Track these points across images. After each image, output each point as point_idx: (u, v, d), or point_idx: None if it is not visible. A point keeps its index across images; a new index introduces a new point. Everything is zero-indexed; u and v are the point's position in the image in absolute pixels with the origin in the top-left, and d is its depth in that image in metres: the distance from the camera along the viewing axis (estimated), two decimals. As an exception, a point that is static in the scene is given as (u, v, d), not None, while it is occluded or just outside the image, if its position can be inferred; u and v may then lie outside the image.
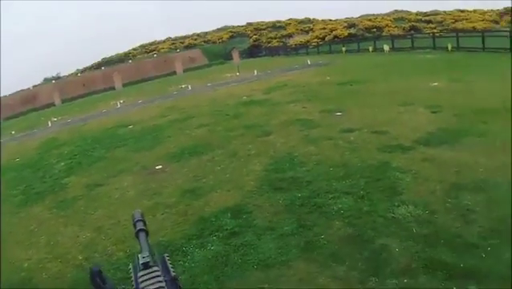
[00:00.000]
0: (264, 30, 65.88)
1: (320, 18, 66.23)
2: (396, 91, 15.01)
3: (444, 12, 58.53)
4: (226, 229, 6.36)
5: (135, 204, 8.08)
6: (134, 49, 70.37)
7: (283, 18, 68.55)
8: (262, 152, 10.12)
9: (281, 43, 60.76)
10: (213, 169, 9.56)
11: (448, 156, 7.87)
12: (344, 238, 5.53)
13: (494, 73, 16.00)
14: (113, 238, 6.95)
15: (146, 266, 1.00)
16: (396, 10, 64.49)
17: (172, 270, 1.03)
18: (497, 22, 50.98)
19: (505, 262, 4.39)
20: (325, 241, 5.53)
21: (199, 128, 14.25)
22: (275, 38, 62.77)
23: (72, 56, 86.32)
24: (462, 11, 57.86)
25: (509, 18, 48.23)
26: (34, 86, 56.04)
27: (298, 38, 60.34)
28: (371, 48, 35.99)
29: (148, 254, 1.03)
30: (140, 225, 1.21)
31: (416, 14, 60.58)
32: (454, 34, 30.19)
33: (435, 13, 58.95)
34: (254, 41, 63.05)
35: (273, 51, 55.63)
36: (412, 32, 45.74)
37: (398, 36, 41.97)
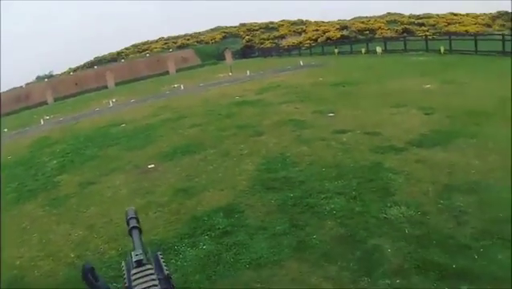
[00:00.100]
0: (257, 31, 65.73)
1: (313, 20, 66.25)
2: (388, 92, 15.06)
3: (437, 15, 58.69)
4: (218, 229, 6.35)
5: (127, 202, 8.02)
6: (126, 48, 69.93)
7: (276, 19, 68.43)
8: (255, 152, 10.11)
9: (273, 44, 60.64)
10: (205, 169, 9.53)
11: (440, 158, 7.90)
12: (336, 238, 5.54)
13: (487, 76, 16.11)
14: (105, 236, 6.92)
15: (139, 263, 0.98)
16: (388, 13, 64.59)
17: (165, 268, 1.01)
18: (489, 26, 51.27)
19: (498, 263, 4.41)
20: (317, 241, 5.54)
21: (191, 128, 14.21)
22: (268, 39, 62.66)
23: (72, 56, 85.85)
24: (455, 14, 58.09)
25: (502, 21, 48.63)
26: (27, 84, 55.71)
27: (291, 40, 60.28)
28: (363, 50, 36.04)
29: (141, 252, 1.01)
30: (133, 223, 1.18)
31: (409, 16, 60.69)
32: (447, 37, 30.38)
33: (428, 16, 59.10)
34: (247, 42, 62.89)
35: (265, 52, 55.56)
36: (404, 34, 45.82)
37: (391, 38, 42.09)
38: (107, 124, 18.56)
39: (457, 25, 52.26)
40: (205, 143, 11.76)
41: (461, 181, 6.72)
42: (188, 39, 67.59)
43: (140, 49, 67.99)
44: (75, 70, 64.18)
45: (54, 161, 13.39)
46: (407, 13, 62.98)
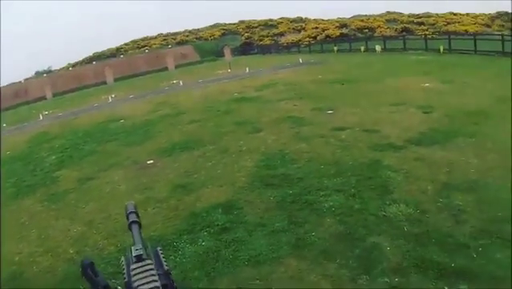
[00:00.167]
0: (256, 28, 65.59)
1: (312, 18, 66.14)
2: (387, 90, 15.07)
3: (437, 14, 58.65)
4: (217, 225, 6.35)
5: (126, 198, 7.98)
6: (125, 44, 69.76)
7: (275, 16, 68.36)
8: (254, 149, 10.11)
9: (273, 41, 60.58)
10: (204, 165, 9.53)
11: (439, 156, 7.91)
12: (335, 235, 5.54)
13: (486, 75, 16.10)
14: (104, 232, 6.91)
15: (139, 258, 0.97)
16: (388, 12, 64.51)
17: (165, 263, 1.00)
18: (489, 26, 51.24)
19: (496, 262, 4.41)
20: (316, 238, 5.54)
21: (190, 124, 14.20)
22: (267, 37, 62.52)
23: (72, 55, 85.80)
24: (455, 14, 58.04)
25: (501, 22, 48.63)
26: (26, 79, 55.57)
27: (290, 37, 60.15)
28: (362, 48, 36.00)
29: (141, 247, 1.00)
30: (132, 217, 1.17)
31: (409, 15, 60.64)
32: (446, 37, 30.35)
33: (427, 15, 59.04)
34: (246, 39, 62.81)
35: (265, 49, 55.45)
36: (404, 33, 45.76)
37: (390, 37, 42.03)
38: (106, 120, 18.52)
39: (457, 24, 52.20)
40: (203, 139, 11.75)
41: (459, 179, 6.73)
42: (187, 36, 67.46)
43: (139, 45, 67.81)
44: (74, 65, 63.98)
45: (53, 157, 13.37)
46: (406, 12, 62.95)
